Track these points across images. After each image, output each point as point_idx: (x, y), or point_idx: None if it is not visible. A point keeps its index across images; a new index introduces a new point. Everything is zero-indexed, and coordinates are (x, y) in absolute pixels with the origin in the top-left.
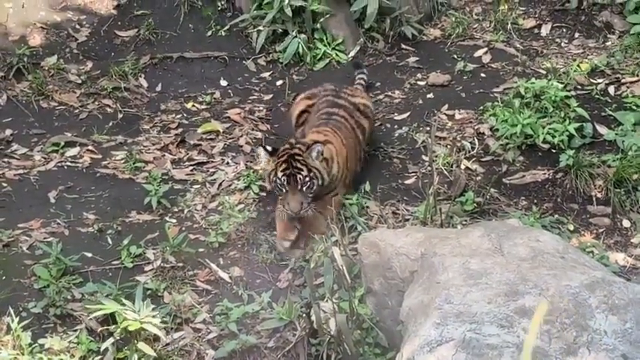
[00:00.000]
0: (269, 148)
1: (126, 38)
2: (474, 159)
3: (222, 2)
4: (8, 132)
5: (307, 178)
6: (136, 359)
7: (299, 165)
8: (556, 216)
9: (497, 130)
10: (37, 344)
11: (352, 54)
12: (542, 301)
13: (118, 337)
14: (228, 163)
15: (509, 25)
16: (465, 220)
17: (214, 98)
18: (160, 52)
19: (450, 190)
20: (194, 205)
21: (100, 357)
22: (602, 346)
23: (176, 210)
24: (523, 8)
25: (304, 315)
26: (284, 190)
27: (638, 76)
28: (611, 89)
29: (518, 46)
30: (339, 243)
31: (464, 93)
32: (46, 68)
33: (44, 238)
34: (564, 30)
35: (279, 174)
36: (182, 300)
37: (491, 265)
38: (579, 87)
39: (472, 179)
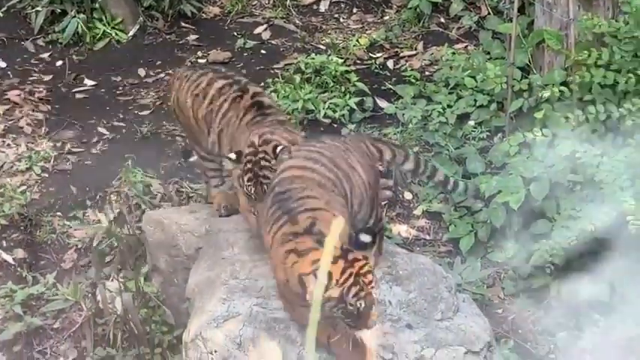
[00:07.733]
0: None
1: None
2: None
3: None
4: None
5: None
6: None
7: None
8: None
9: (279, 105)
10: None
11: (132, 33)
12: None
13: None
14: (8, 145)
15: (289, 1)
16: None
17: None
18: None
19: None
20: None
21: None
22: (387, 316)
23: None
24: None
25: (90, 295)
26: None
27: (416, 49)
28: (390, 63)
29: (297, 22)
30: (123, 222)
31: (245, 70)
32: None
33: None
34: (343, 5)
35: None
36: None
37: None
38: (359, 61)
39: None
